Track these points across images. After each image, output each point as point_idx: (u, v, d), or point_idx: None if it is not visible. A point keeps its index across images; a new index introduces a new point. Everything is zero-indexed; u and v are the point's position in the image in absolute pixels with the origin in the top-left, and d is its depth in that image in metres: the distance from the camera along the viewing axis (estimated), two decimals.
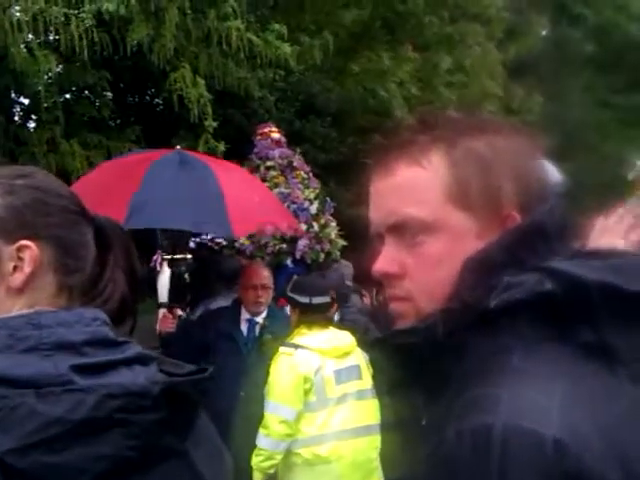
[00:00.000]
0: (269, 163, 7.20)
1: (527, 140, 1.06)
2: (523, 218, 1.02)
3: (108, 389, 1.02)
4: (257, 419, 4.03)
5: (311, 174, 7.51)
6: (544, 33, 20.70)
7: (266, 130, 7.61)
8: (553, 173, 1.18)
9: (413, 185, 1.04)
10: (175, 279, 5.47)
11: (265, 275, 4.94)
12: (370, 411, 4.14)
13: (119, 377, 1.06)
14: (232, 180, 5.11)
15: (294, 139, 7.81)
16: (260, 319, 4.87)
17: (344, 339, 4.17)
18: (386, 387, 3.79)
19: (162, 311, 5.40)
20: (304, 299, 4.16)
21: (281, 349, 4.05)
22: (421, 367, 1.02)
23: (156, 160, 5.08)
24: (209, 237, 6.21)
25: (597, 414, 0.88)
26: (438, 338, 0.97)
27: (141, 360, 1.13)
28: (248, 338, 4.82)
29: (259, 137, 7.55)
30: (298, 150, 7.63)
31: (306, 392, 3.96)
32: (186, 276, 5.53)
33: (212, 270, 5.46)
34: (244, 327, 4.86)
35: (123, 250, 1.33)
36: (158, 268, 5.53)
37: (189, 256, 5.64)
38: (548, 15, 19.18)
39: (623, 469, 0.84)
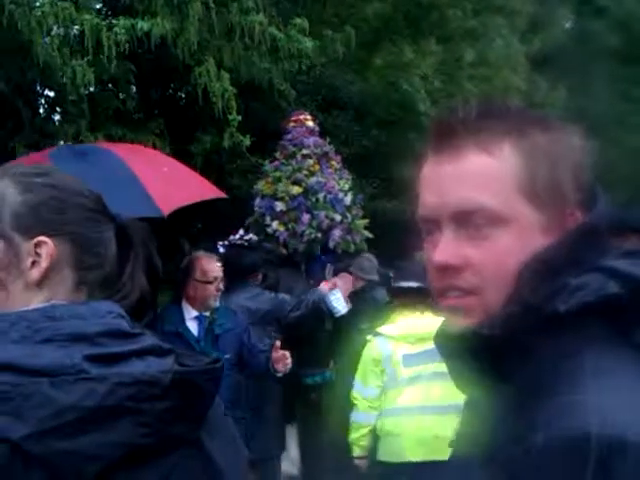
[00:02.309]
0: (305, 151, 7.06)
1: (580, 137, 1.03)
2: (583, 217, 1.00)
3: (119, 378, 1.05)
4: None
5: (341, 165, 7.44)
6: (567, 26, 20.55)
7: (301, 117, 7.49)
8: None
9: (485, 174, 0.99)
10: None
11: (218, 267, 4.72)
12: (446, 392, 4.22)
13: (130, 367, 1.09)
14: (138, 158, 4.88)
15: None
16: (207, 313, 4.69)
17: (427, 325, 4.30)
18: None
19: None
20: (405, 283, 4.63)
21: (368, 337, 4.67)
22: (477, 366, 1.00)
23: (48, 156, 4.78)
24: (237, 237, 6.18)
25: None
26: (498, 341, 0.95)
27: (156, 351, 1.16)
28: (199, 335, 4.61)
29: (293, 124, 7.43)
30: (328, 140, 7.55)
31: (380, 373, 4.53)
32: None
33: (229, 265, 5.40)
34: (193, 325, 4.64)
35: (144, 248, 1.38)
36: None
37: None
38: (571, 7, 19.04)
39: None
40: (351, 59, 11.42)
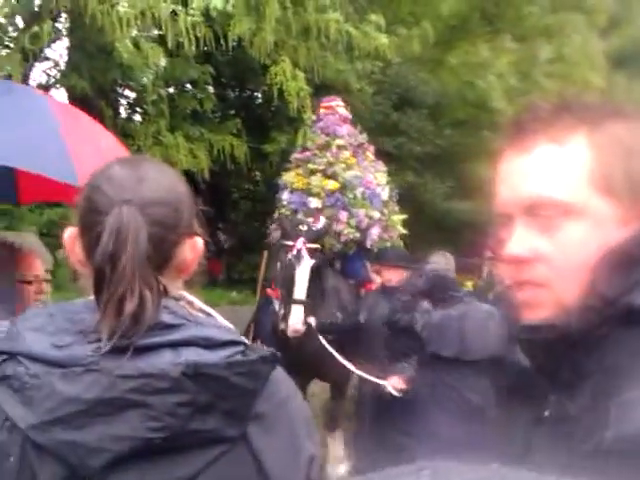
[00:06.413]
0: (339, 142, 6.32)
1: None
2: None
3: (123, 370, 1.02)
4: None
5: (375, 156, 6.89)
6: None
7: (332, 104, 7.02)
8: None
9: (555, 166, 0.97)
10: (315, 271, 4.79)
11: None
12: None
13: (154, 359, 1.04)
14: (74, 124, 3.61)
15: (390, 131, 7.72)
16: None
17: None
18: None
19: (296, 308, 4.62)
20: None
21: None
22: (553, 362, 0.98)
23: None
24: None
25: None
26: (574, 335, 0.93)
27: (200, 343, 1.08)
28: None
29: (323, 110, 6.98)
30: (359, 128, 7.01)
31: None
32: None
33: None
34: None
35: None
36: (301, 260, 4.79)
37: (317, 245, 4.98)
38: None
39: None
40: (426, 58, 11.40)
